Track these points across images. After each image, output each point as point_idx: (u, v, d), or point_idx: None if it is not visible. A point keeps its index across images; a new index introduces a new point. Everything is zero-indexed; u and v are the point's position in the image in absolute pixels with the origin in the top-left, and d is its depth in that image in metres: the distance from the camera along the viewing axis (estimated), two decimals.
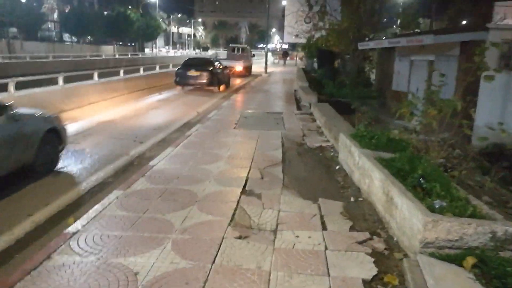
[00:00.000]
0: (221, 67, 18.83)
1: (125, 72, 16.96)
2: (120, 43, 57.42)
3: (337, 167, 6.05)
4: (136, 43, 60.21)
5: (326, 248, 3.37)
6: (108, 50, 48.19)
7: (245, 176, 5.22)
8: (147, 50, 63.86)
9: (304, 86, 16.35)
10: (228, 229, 3.64)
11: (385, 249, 3.49)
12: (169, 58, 42.54)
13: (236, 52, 27.98)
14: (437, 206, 3.44)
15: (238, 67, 25.60)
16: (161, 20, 66.40)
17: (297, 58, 53.16)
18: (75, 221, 3.79)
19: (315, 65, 29.39)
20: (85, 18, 45.55)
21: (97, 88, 13.63)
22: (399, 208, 3.60)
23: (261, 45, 65.94)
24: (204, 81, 16.64)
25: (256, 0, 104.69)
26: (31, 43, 37.16)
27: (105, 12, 54.35)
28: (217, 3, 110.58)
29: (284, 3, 58.97)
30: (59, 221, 4.09)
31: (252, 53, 30.69)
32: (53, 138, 5.74)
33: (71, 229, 3.55)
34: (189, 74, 16.73)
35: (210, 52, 66.01)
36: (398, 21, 20.32)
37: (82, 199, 4.79)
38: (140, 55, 46.17)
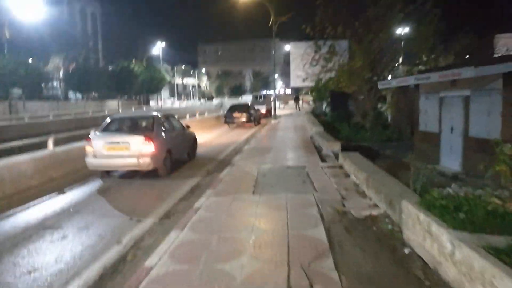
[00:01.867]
0: (254, 109, 25.58)
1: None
2: (125, 96, 57.37)
3: (406, 251, 4.32)
4: (141, 96, 60.29)
5: None
6: (113, 105, 47.75)
7: (285, 286, 3.49)
8: (152, 103, 63.81)
9: (321, 132, 14.89)
10: None
11: None
12: (174, 110, 41.89)
13: (259, 99, 35.75)
14: None
15: (262, 110, 31.62)
16: (165, 72, 67.02)
17: (303, 102, 52.20)
18: None
19: (325, 108, 28.56)
20: (89, 75, 45.67)
21: None
22: None
23: (264, 91, 65.73)
24: (244, 119, 23.57)
25: (258, 48, 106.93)
26: (34, 102, 36.59)
27: (110, 68, 54.87)
28: (219, 53, 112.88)
29: (287, 48, 59.47)
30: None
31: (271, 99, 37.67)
32: (194, 142, 12.25)
33: None
34: (233, 115, 23.80)
35: (215, 102, 65.82)
36: (400, 59, 19.59)
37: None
38: (144, 109, 45.59)
